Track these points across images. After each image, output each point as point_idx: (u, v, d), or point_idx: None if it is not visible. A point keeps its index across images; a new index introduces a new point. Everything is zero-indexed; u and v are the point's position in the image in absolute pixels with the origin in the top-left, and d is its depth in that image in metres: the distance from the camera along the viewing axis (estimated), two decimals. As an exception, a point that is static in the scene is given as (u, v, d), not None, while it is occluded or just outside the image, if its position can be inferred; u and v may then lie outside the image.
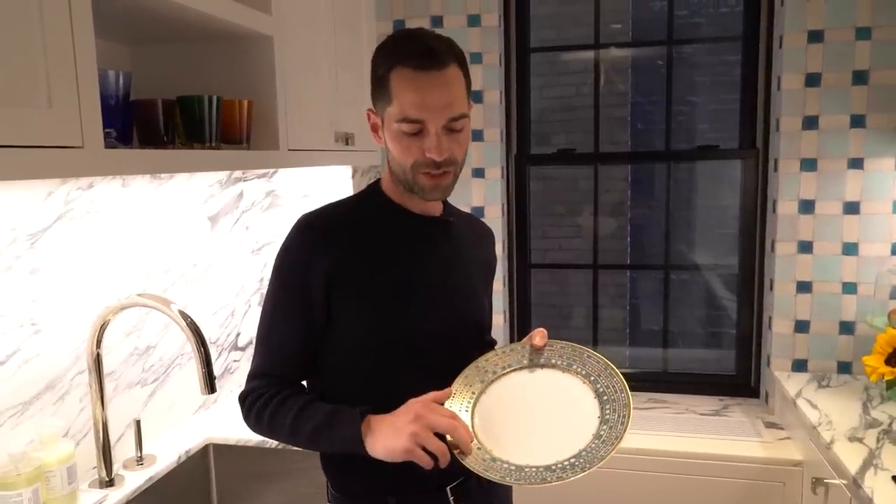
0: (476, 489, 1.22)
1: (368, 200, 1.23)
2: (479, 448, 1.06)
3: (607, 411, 1.09)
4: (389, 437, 1.03)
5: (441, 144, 1.09)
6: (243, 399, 1.19)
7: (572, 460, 1.03)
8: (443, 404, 1.11)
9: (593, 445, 1.04)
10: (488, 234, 1.40)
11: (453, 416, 1.05)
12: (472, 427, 1.10)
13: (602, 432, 1.06)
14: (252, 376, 1.19)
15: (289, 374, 1.18)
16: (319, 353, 1.18)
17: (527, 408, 1.14)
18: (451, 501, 1.19)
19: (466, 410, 1.12)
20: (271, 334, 1.17)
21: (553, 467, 1.02)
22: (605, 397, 1.11)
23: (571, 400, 1.13)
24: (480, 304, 1.32)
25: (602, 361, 1.16)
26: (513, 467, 1.03)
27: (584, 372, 1.16)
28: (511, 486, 1.36)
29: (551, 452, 1.04)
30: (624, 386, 1.11)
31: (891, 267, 2.12)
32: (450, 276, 1.23)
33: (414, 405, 1.05)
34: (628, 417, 1.06)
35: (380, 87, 1.13)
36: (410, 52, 1.08)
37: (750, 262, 2.46)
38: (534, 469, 1.03)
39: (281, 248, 1.17)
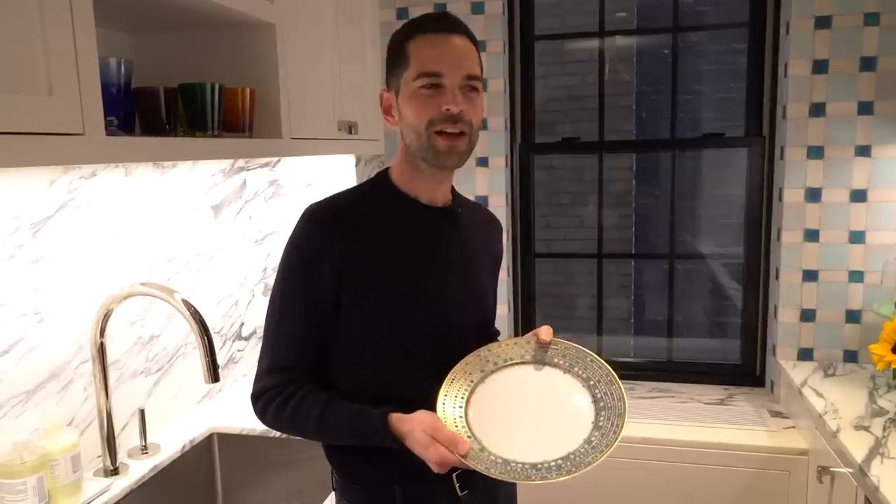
0: (481, 477, 1.22)
1: (376, 190, 1.22)
2: (469, 437, 1.06)
3: (602, 418, 1.08)
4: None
5: (458, 98, 1.11)
6: (256, 398, 1.17)
7: (559, 461, 1.02)
8: (437, 394, 1.11)
9: (582, 450, 1.04)
10: (495, 223, 1.40)
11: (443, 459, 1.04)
12: (466, 416, 1.09)
13: (594, 438, 1.05)
14: (263, 373, 1.17)
15: (300, 367, 1.16)
16: (328, 344, 1.18)
17: (522, 403, 1.14)
18: (457, 488, 1.18)
19: (462, 397, 1.12)
20: (280, 328, 1.16)
21: (539, 466, 1.02)
22: (602, 404, 1.10)
23: (568, 401, 1.13)
24: (486, 297, 1.31)
25: (604, 368, 1.15)
26: (499, 460, 1.03)
27: (584, 375, 1.15)
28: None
29: (540, 451, 1.04)
30: (622, 395, 1.10)
31: (898, 255, 2.11)
32: (458, 268, 1.23)
33: (421, 439, 1.05)
34: (622, 427, 1.05)
35: (396, 59, 1.15)
36: (427, 20, 1.14)
37: (756, 251, 2.45)
38: (520, 465, 1.02)
39: (288, 241, 1.16)
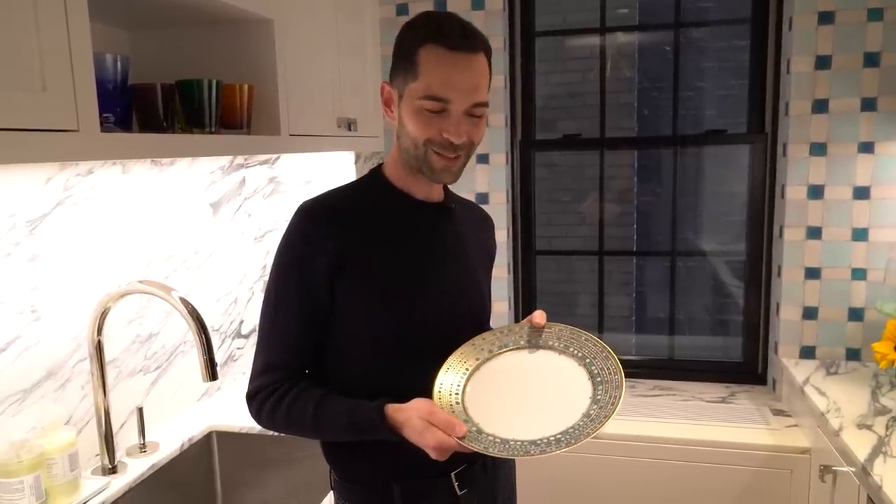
0: (480, 475, 1.21)
1: (369, 187, 1.21)
2: (466, 420, 1.05)
3: (599, 392, 1.08)
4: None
5: (460, 128, 1.09)
6: (251, 397, 1.16)
7: (558, 436, 1.02)
8: (433, 384, 1.10)
9: (581, 423, 1.03)
10: (488, 221, 1.39)
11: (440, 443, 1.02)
12: (463, 402, 1.09)
13: (592, 411, 1.05)
14: (258, 373, 1.16)
15: (296, 366, 1.16)
16: (324, 342, 1.17)
17: (520, 387, 1.13)
18: (456, 487, 1.18)
19: (458, 385, 1.11)
20: (275, 326, 1.15)
21: (538, 442, 1.01)
22: (599, 379, 1.10)
23: (565, 381, 1.12)
24: (482, 292, 1.31)
25: (599, 344, 1.15)
26: (497, 440, 1.02)
27: (580, 354, 1.15)
28: (515, 472, 1.36)
29: (539, 429, 1.03)
30: (618, 368, 1.10)
31: (901, 252, 2.10)
32: (453, 265, 1.22)
33: (417, 425, 1.03)
34: (620, 398, 1.05)
35: (405, 61, 1.10)
36: (445, 32, 1.07)
37: (758, 249, 2.44)
38: (518, 443, 1.02)
39: (282, 238, 1.15)
